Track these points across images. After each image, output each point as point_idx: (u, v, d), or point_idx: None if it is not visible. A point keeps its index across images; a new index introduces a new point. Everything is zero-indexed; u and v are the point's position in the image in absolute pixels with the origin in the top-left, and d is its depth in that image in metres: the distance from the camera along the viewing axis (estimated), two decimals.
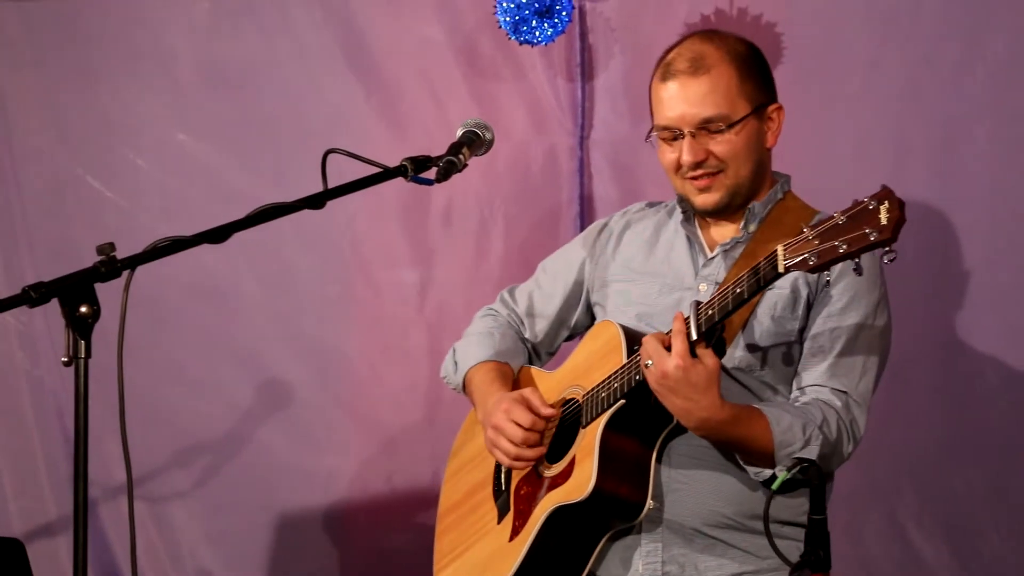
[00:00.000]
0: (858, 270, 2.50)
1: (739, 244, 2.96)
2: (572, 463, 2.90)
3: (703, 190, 2.94)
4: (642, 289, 3.04)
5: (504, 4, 3.85)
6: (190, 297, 4.30)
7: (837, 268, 2.59)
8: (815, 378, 2.86)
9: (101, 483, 4.27)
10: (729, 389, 2.84)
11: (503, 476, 3.09)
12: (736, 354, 2.88)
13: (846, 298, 2.87)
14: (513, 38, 3.89)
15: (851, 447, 2.84)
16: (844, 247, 2.49)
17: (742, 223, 2.97)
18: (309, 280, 4.28)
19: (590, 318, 3.19)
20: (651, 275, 3.05)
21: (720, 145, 2.90)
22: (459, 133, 2.88)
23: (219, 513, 4.35)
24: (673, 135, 2.93)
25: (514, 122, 4.11)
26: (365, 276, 4.26)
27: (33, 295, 2.36)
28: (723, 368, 2.80)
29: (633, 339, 2.87)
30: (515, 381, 3.17)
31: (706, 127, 2.90)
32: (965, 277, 3.77)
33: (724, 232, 3.01)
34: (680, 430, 2.83)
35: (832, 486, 2.97)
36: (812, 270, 2.54)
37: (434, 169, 2.79)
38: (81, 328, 2.38)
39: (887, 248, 2.45)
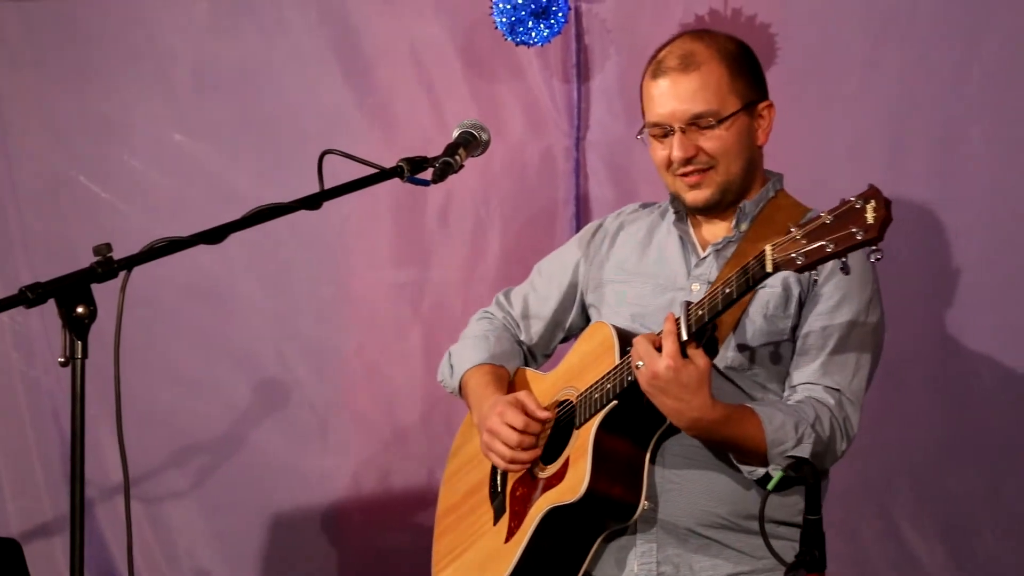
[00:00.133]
0: (845, 269, 2.51)
1: (731, 243, 2.96)
2: (566, 464, 2.90)
3: (693, 187, 2.94)
4: (636, 290, 3.04)
5: (500, 5, 3.84)
6: (187, 298, 4.30)
7: (827, 267, 2.59)
8: (807, 376, 2.86)
9: (97, 483, 4.27)
10: (722, 388, 2.84)
11: (499, 478, 3.10)
12: (728, 353, 2.88)
13: (837, 296, 2.87)
14: (509, 39, 3.89)
15: (844, 445, 2.84)
16: (831, 246, 2.48)
17: (733, 222, 2.98)
18: (306, 280, 4.28)
19: (585, 319, 3.19)
20: (645, 276, 3.05)
21: (710, 141, 2.91)
22: (455, 134, 2.89)
23: (216, 513, 4.34)
24: (664, 132, 2.93)
25: (510, 123, 4.11)
26: (361, 277, 4.25)
27: (29, 296, 2.36)
28: (715, 367, 2.80)
29: (626, 340, 2.86)
30: (511, 383, 3.17)
31: (696, 123, 2.90)
32: (962, 277, 3.77)
33: (716, 231, 3.01)
34: (673, 430, 2.83)
35: (827, 484, 2.97)
36: (800, 270, 2.54)
37: (430, 170, 2.79)
38: (77, 329, 2.38)
39: (874, 247, 2.45)
